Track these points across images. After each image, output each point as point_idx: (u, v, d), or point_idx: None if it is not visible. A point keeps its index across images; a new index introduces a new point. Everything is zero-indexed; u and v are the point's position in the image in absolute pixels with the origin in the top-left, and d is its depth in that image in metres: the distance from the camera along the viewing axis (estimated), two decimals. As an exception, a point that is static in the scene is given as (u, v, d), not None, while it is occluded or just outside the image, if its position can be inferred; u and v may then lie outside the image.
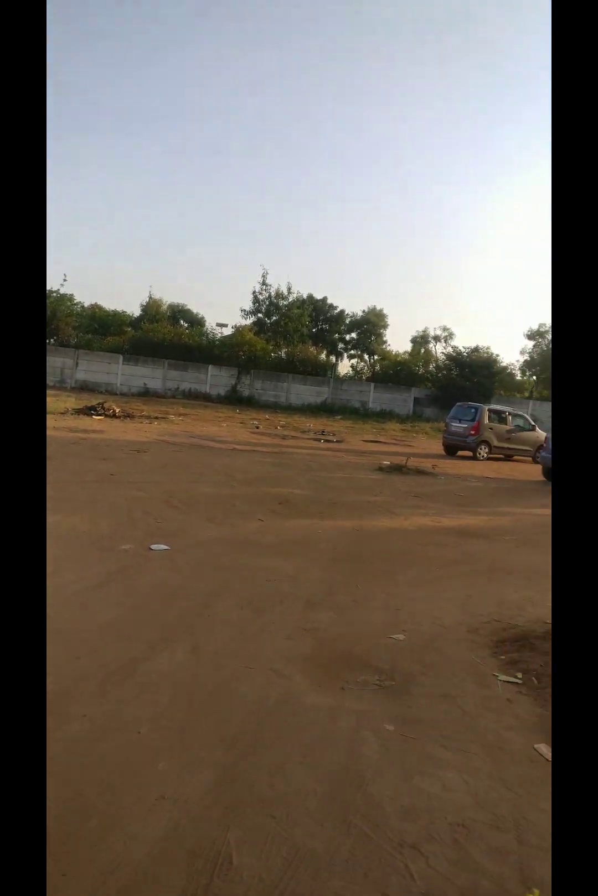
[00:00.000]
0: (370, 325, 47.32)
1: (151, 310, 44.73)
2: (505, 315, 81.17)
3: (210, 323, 44.52)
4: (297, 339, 41.91)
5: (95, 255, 74.80)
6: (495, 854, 2.44)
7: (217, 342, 40.88)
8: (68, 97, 77.42)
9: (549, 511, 12.12)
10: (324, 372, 41.92)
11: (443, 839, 2.50)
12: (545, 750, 3.29)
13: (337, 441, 22.65)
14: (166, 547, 6.60)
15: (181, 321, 47.65)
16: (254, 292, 42.56)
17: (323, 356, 45.31)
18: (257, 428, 24.59)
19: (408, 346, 49.87)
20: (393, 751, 3.16)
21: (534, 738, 3.41)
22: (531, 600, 5.97)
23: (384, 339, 49.13)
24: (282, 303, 42.55)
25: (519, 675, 4.20)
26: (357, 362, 48.54)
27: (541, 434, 21.38)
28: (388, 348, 48.92)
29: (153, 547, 6.54)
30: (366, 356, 48.44)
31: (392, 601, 5.58)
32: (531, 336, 44.83)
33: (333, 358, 47.33)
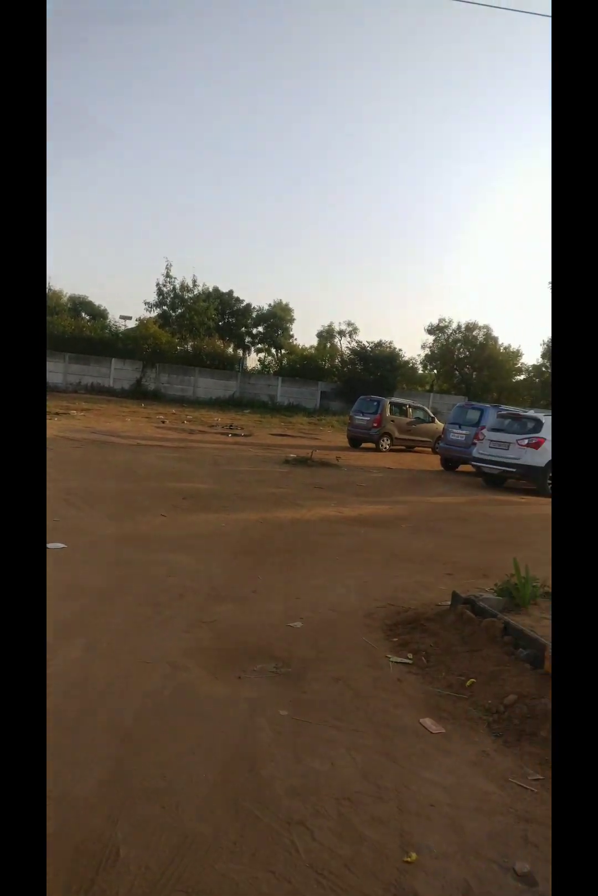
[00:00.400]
0: (277, 319, 47.53)
1: (51, 302, 42.99)
2: (407, 310, 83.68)
3: (113, 315, 43.33)
4: (203, 332, 41.53)
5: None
6: (377, 823, 2.56)
7: (121, 335, 39.86)
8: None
9: (445, 499, 12.69)
10: (232, 366, 41.76)
11: (329, 814, 2.60)
12: (430, 723, 3.47)
13: (245, 435, 22.66)
14: (63, 545, 6.42)
15: (83, 314, 46.09)
16: (158, 284, 41.83)
17: (230, 350, 45.10)
18: (163, 423, 24.20)
19: (314, 341, 50.54)
20: (286, 734, 3.24)
21: (420, 714, 3.59)
22: (424, 584, 6.24)
23: (291, 333, 49.58)
24: (187, 295, 42.00)
25: (410, 655, 4.39)
26: (265, 356, 48.72)
27: (440, 425, 22.23)
28: (295, 342, 49.38)
29: (49, 546, 6.34)
30: (273, 350, 48.67)
31: (292, 590, 5.68)
32: (431, 331, 46.43)
33: (240, 352, 47.22)
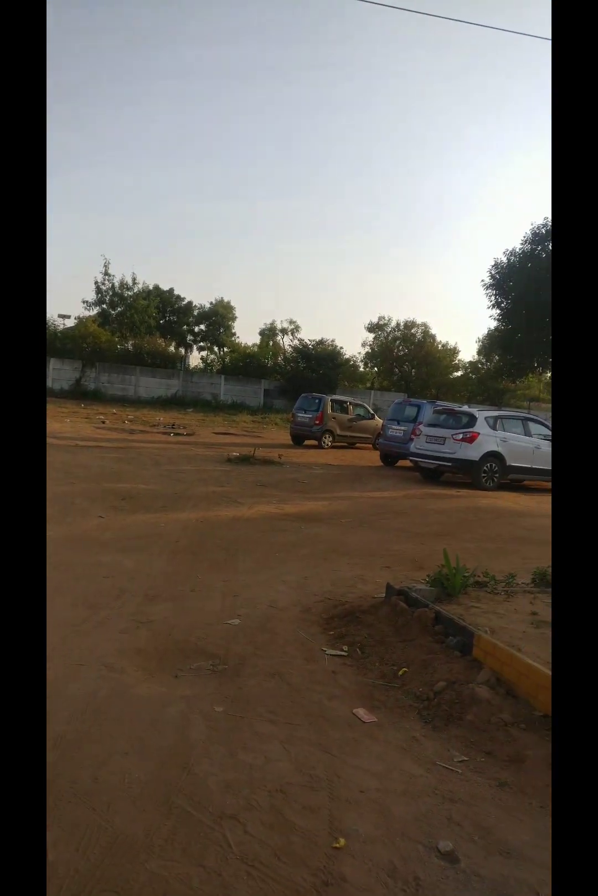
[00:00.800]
0: (219, 317, 47.23)
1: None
2: (347, 308, 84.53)
3: (51, 314, 42.18)
4: (144, 330, 40.88)
5: None
6: (309, 812, 2.62)
7: (60, 334, 38.82)
8: None
9: (384, 493, 12.91)
10: (174, 364, 41.26)
11: (261, 806, 2.65)
12: (363, 713, 3.56)
13: (188, 434, 22.47)
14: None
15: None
16: (96, 283, 40.96)
17: (172, 348, 44.55)
18: (104, 423, 23.74)
19: (257, 339, 50.48)
20: (221, 731, 3.27)
21: (354, 704, 3.67)
22: (362, 578, 6.35)
23: (233, 331, 49.36)
24: (127, 293, 41.27)
25: (345, 648, 4.48)
26: (207, 354, 48.34)
27: (379, 422, 22.58)
28: (237, 340, 49.19)
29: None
30: (216, 348, 48.34)
31: (231, 588, 5.70)
32: (371, 328, 47.03)
33: (182, 350, 46.69)
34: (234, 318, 49.02)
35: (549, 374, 28.03)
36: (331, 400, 22.40)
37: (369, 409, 24.32)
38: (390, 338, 46.67)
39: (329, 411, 21.78)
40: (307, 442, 22.26)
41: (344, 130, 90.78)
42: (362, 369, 48.74)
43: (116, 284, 41.12)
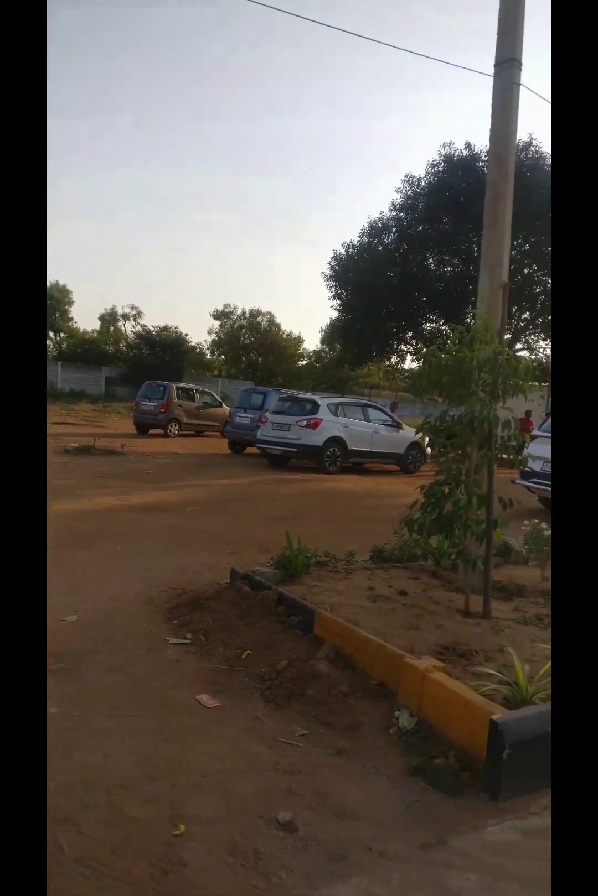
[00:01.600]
0: (54, 302, 44.62)
1: None
2: (193, 295, 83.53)
3: None
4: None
5: None
6: (149, 803, 2.57)
7: None
8: None
9: (232, 481, 12.98)
10: (4, 350, 38.36)
11: (98, 804, 2.55)
12: (206, 699, 3.55)
13: (20, 425, 21.03)
14: None
15: None
16: None
17: (3, 333, 41.39)
18: None
19: (97, 324, 48.37)
20: (56, 732, 3.09)
21: (197, 691, 3.65)
22: (208, 565, 6.34)
23: (71, 316, 46.96)
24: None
25: (189, 635, 4.44)
26: (43, 340, 45.49)
27: (227, 409, 22.61)
28: (75, 326, 46.85)
29: None
30: (52, 334, 45.66)
31: (69, 584, 5.42)
32: (217, 316, 46.87)
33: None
34: (70, 303, 46.64)
35: (387, 363, 29.50)
36: (177, 387, 22.11)
37: (217, 396, 24.29)
38: (236, 326, 46.80)
39: (175, 399, 21.46)
40: (153, 431, 21.75)
41: (186, 120, 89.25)
42: (208, 357, 48.47)
43: None
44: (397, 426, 16.51)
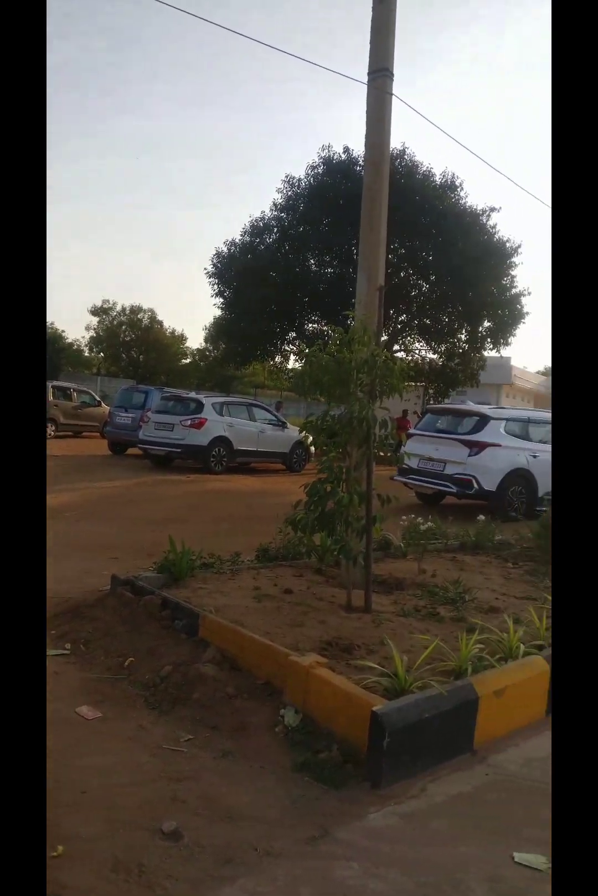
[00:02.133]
0: None
1: None
2: (69, 289, 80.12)
3: None
4: None
5: None
6: (24, 827, 2.44)
7: None
8: None
9: (114, 483, 12.59)
10: None
11: (-32, 833, 2.39)
12: (86, 710, 3.42)
13: None
14: None
15: None
16: None
17: None
18: None
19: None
20: None
21: (77, 703, 3.51)
22: (89, 572, 6.10)
23: None
24: None
25: (68, 645, 4.27)
26: None
27: (106, 409, 21.90)
28: None
29: None
30: None
31: None
32: (95, 312, 45.24)
33: None
34: None
35: (271, 362, 29.70)
36: (53, 386, 21.13)
37: (96, 396, 23.47)
38: (115, 322, 45.38)
39: (51, 398, 20.50)
40: (27, 432, 20.67)
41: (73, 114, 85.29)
42: (87, 354, 46.69)
43: None
44: (283, 425, 16.69)
